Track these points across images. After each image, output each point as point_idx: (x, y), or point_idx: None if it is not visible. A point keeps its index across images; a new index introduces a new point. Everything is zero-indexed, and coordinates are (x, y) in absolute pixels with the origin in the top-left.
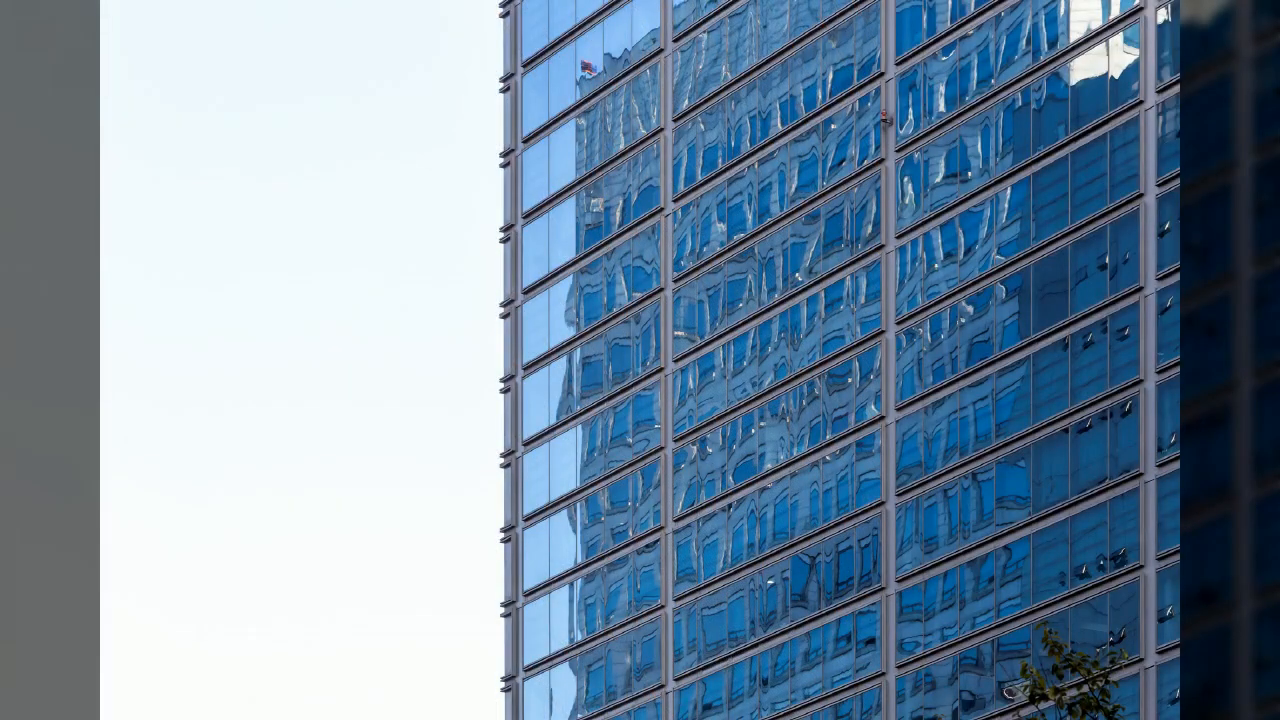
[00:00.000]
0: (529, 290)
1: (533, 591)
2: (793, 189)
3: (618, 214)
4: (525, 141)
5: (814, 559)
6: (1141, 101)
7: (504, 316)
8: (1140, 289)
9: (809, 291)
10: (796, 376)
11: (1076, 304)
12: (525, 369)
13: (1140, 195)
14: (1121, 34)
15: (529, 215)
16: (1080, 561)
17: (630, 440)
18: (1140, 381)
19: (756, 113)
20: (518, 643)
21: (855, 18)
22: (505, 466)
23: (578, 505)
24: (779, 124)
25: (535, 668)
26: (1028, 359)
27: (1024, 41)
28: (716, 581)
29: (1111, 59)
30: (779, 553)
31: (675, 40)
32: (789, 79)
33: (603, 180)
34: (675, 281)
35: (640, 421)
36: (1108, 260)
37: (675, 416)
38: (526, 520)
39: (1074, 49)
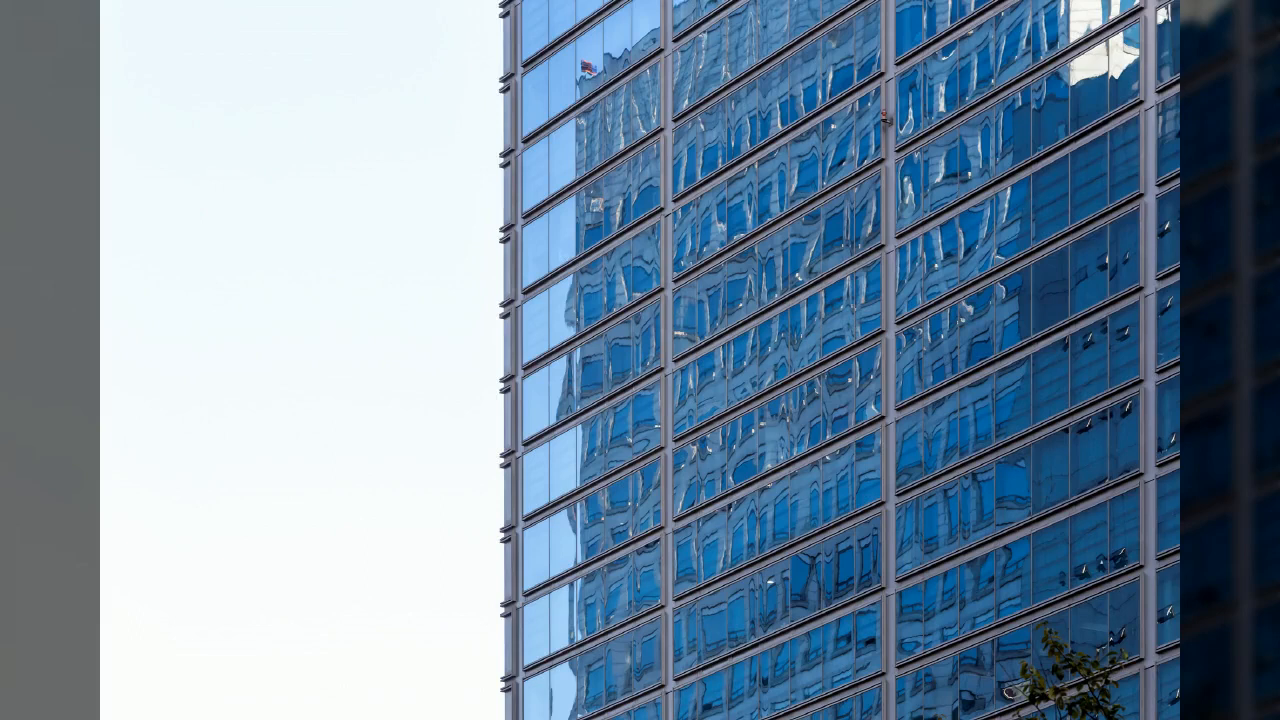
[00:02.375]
0: (529, 290)
1: (533, 591)
2: (793, 189)
3: (618, 214)
4: (525, 141)
5: (814, 559)
6: (1141, 101)
7: (504, 316)
8: (1140, 289)
9: (809, 291)
10: (796, 376)
11: (1076, 304)
12: (525, 369)
13: (1140, 195)
14: (1121, 34)
15: (529, 215)
16: (1080, 561)
17: (630, 440)
18: (1140, 381)
19: (756, 113)
20: (518, 643)
21: (855, 18)
22: (505, 466)
23: (578, 505)
24: (779, 124)
25: (535, 668)
26: (1028, 359)
27: (1024, 41)
28: (716, 581)
29: (1111, 59)
30: (779, 553)
31: (675, 40)
32: (789, 79)
33: (603, 180)
34: (675, 281)
35: (640, 421)
36: (1108, 260)
37: (675, 416)
38: (526, 520)
39: (1074, 49)
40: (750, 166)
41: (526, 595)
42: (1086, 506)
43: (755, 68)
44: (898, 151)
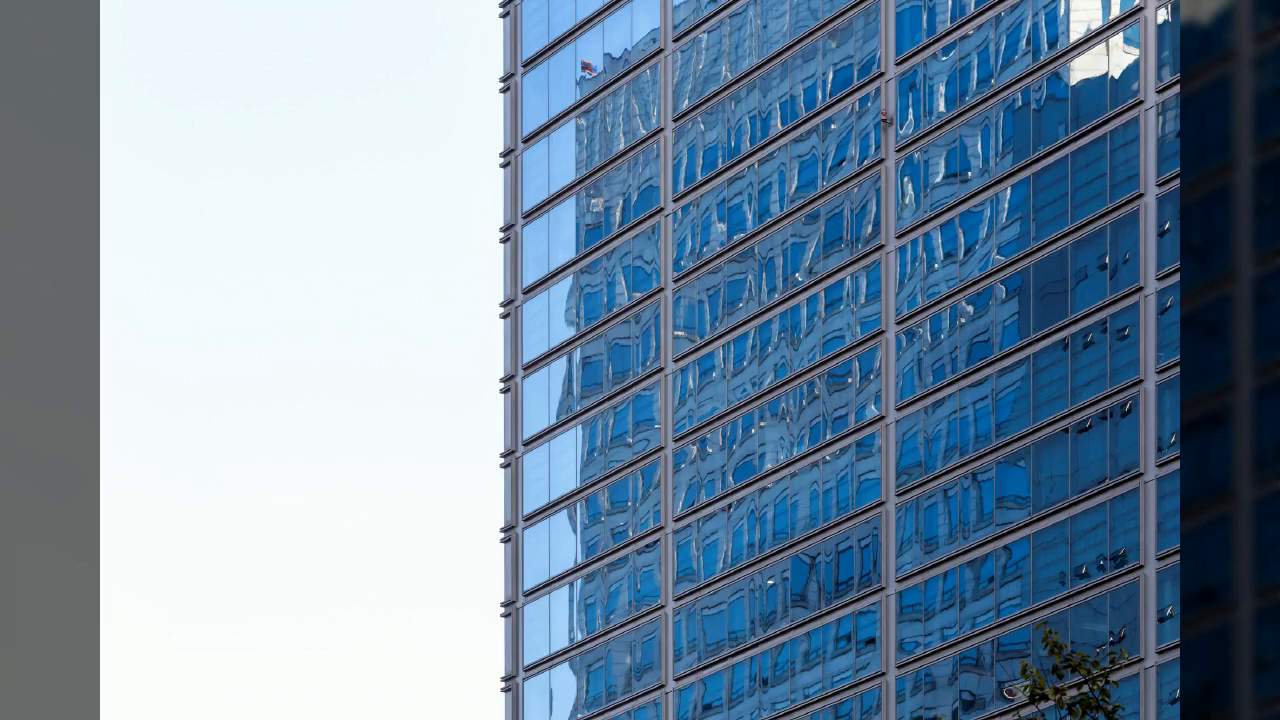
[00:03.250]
0: (529, 290)
1: (533, 591)
2: (793, 189)
3: (618, 214)
4: (525, 141)
5: (814, 559)
6: (1141, 101)
7: (504, 316)
8: (1140, 289)
9: (809, 291)
10: (796, 376)
11: (1076, 304)
12: (525, 369)
13: (1140, 195)
14: (1121, 34)
15: (529, 215)
16: (1080, 561)
17: (630, 440)
18: (1140, 381)
19: (756, 113)
20: (518, 643)
21: (855, 18)
22: (505, 466)
23: (578, 505)
24: (779, 124)
25: (535, 668)
26: (1028, 359)
27: (1024, 41)
28: (716, 581)
29: (1111, 59)
30: (779, 553)
31: (675, 40)
32: (789, 79)
33: (603, 180)
34: (675, 281)
35: (640, 421)
36: (1108, 260)
37: (675, 416)
38: (526, 520)
39: (1074, 49)
40: (750, 166)
41: (526, 595)
42: (1086, 506)
43: (755, 68)
44: (898, 151)
